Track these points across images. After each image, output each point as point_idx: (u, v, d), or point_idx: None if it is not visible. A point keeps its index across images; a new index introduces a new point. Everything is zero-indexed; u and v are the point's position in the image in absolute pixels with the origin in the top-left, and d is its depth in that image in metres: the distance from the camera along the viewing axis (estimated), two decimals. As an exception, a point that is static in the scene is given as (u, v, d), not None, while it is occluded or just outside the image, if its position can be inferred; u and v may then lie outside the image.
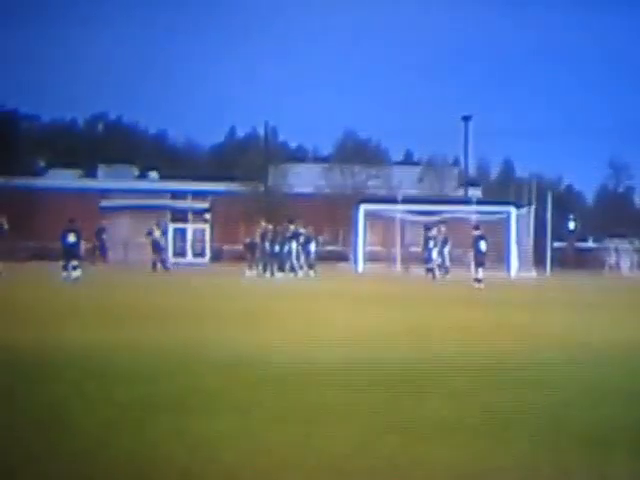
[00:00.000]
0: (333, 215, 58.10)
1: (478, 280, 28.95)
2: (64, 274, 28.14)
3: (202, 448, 5.56)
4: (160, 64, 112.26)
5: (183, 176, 69.19)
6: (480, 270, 29.59)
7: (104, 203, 60.35)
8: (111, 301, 19.54)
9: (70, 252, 28.54)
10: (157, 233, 40.30)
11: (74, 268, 28.28)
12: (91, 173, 73.13)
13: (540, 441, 6.13)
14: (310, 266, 36.53)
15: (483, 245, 30.47)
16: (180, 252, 59.95)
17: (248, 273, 35.85)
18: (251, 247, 37.87)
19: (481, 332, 13.97)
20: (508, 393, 7.96)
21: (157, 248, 39.24)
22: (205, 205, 60.91)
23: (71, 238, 28.70)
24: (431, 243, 38.29)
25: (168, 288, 26.21)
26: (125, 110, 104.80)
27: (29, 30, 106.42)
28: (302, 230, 37.32)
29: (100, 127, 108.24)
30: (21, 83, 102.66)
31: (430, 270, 37.17)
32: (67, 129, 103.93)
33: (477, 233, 30.75)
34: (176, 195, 63.15)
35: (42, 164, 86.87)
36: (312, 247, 37.27)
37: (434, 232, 39.08)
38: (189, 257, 57.85)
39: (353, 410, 6.85)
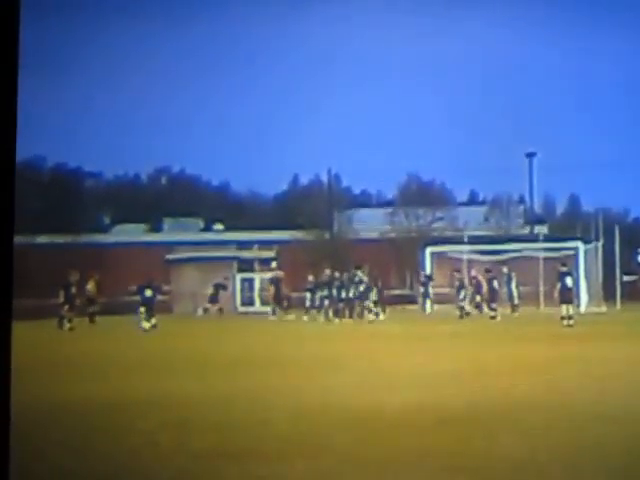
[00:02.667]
0: (399, 259, 57.97)
1: (567, 317, 28.58)
2: (143, 324, 30.46)
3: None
4: (219, 114, 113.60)
5: (248, 226, 69.76)
6: (569, 307, 29.21)
7: (170, 256, 61.00)
8: (180, 351, 19.77)
9: (146, 305, 31.64)
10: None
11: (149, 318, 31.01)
12: (156, 227, 74.05)
13: (613, 477, 6.13)
14: (370, 311, 36.62)
15: (569, 281, 30.17)
16: (248, 301, 60.26)
17: (306, 319, 36.13)
18: (314, 293, 38.20)
19: (550, 368, 13.89)
20: (580, 429, 7.93)
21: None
22: (271, 254, 61.26)
23: (147, 293, 32.00)
24: (495, 283, 38.29)
25: (236, 337, 26.42)
26: (187, 163, 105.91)
27: (83, 84, 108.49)
28: (363, 277, 37.43)
29: (163, 181, 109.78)
30: (84, 140, 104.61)
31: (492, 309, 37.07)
32: (131, 184, 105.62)
33: (563, 269, 30.47)
34: (242, 245, 63.57)
35: (107, 220, 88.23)
36: (373, 294, 37.43)
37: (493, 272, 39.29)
38: (257, 306, 58.11)
39: (424, 452, 6.88)
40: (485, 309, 37.70)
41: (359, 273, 37.35)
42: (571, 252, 45.78)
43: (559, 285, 29.68)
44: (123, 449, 7.15)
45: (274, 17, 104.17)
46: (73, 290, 35.63)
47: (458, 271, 40.16)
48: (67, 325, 34.26)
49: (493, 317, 35.35)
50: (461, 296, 38.31)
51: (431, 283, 41.88)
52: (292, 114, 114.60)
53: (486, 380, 12.04)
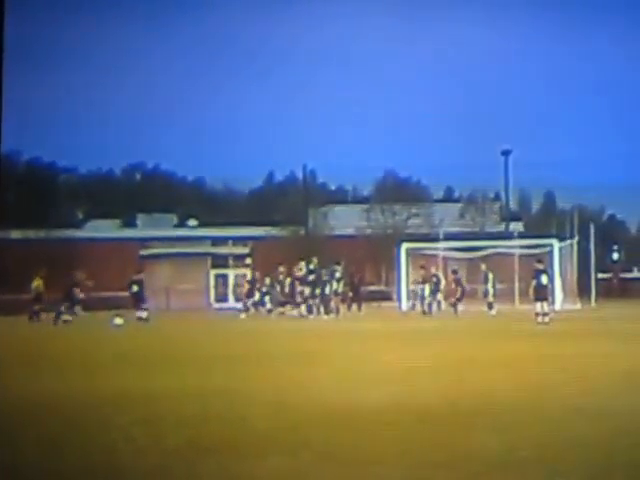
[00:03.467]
0: (375, 255, 58.03)
1: (542, 314, 28.64)
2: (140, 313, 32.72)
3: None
4: (195, 111, 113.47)
5: (223, 222, 69.63)
6: (544, 304, 29.28)
7: (144, 252, 60.79)
8: (154, 347, 19.69)
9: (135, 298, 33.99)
10: None
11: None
12: (130, 223, 73.82)
13: (593, 473, 6.12)
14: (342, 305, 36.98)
15: (544, 279, 30.26)
16: (222, 298, 60.18)
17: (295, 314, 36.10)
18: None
19: (526, 365, 13.93)
20: (558, 425, 7.93)
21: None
22: (246, 250, 61.16)
23: (134, 288, 34.14)
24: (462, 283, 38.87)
25: (211, 333, 26.36)
26: (162, 159, 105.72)
27: (60, 80, 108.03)
28: (341, 273, 37.61)
29: (137, 177, 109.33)
30: (57, 136, 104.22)
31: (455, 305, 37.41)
32: (104, 180, 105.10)
33: (539, 267, 30.54)
34: (216, 242, 63.46)
35: (80, 215, 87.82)
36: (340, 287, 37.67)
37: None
38: (231, 302, 58.04)
39: (403, 448, 6.86)
40: (443, 306, 38.34)
41: (338, 268, 37.41)
42: (546, 249, 45.91)
43: (534, 282, 29.76)
44: (100, 445, 7.09)
45: (257, 15, 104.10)
46: (41, 287, 35.91)
47: (423, 267, 40.39)
48: (36, 320, 34.40)
49: (455, 312, 35.94)
50: (425, 292, 38.54)
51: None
52: (268, 110, 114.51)
53: (464, 376, 12.06)
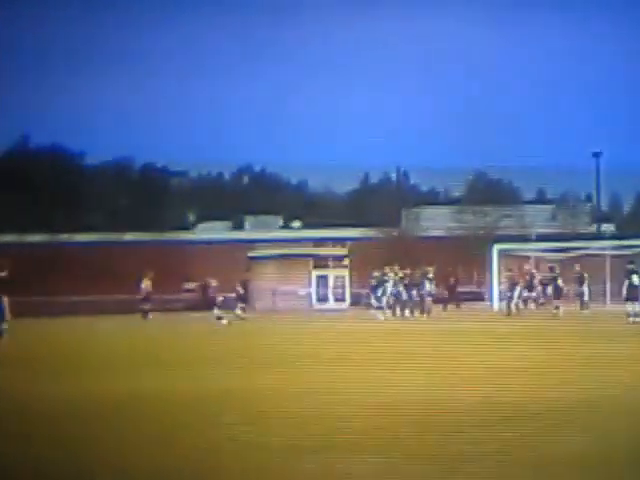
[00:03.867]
0: (466, 256, 57.53)
1: (634, 315, 27.93)
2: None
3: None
4: (298, 115, 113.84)
5: (323, 224, 69.83)
6: (635, 304, 28.48)
7: (252, 253, 61.29)
8: (260, 347, 19.90)
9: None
10: None
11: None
12: (239, 225, 74.50)
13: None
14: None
15: (636, 279, 29.51)
16: (323, 298, 60.32)
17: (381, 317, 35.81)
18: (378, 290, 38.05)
19: (616, 365, 13.72)
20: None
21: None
22: (344, 251, 61.20)
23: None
24: (559, 281, 37.89)
25: (312, 333, 26.46)
26: (268, 162, 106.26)
27: (170, 86, 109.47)
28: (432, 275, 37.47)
29: (245, 179, 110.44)
30: (169, 141, 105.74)
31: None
32: (214, 183, 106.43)
33: (630, 267, 29.80)
34: (318, 243, 63.61)
35: (192, 218, 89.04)
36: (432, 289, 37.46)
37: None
38: (331, 303, 58.16)
39: (490, 446, 6.88)
40: (537, 305, 37.58)
41: (430, 270, 37.32)
42: (638, 250, 44.92)
43: (626, 282, 29.07)
44: (206, 443, 7.27)
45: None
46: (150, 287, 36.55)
47: (510, 270, 39.80)
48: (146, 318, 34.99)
49: (555, 314, 34.99)
50: (515, 293, 37.87)
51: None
52: (364, 114, 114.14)
53: (553, 377, 11.93)
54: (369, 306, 38.41)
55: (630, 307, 28.47)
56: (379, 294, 36.63)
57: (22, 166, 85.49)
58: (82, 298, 50.78)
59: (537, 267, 43.07)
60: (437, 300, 38.70)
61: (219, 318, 31.51)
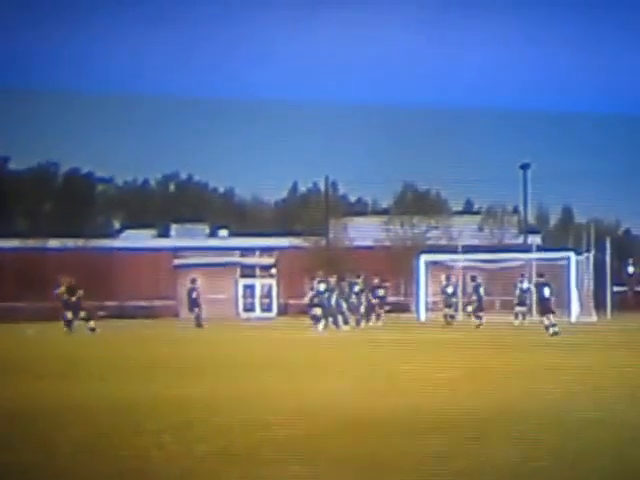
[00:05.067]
0: (394, 267, 57.97)
1: (551, 325, 28.55)
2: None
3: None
4: (225, 121, 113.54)
5: (250, 233, 69.74)
6: (550, 316, 29.13)
7: (177, 262, 60.98)
8: (186, 356, 19.84)
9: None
10: None
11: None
12: (164, 233, 73.99)
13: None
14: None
15: (547, 292, 30.20)
16: (249, 308, 60.28)
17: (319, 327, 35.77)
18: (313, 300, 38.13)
19: (542, 375, 13.96)
20: (571, 435, 7.98)
21: None
22: (271, 261, 61.26)
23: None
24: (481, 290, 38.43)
25: (238, 342, 26.49)
26: (195, 169, 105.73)
27: (93, 89, 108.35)
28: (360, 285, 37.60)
29: (171, 187, 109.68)
30: (94, 147, 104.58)
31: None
32: (140, 190, 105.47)
33: (541, 280, 30.42)
34: (245, 252, 63.57)
35: (117, 225, 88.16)
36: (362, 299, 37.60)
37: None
38: (257, 312, 58.13)
39: (420, 456, 6.94)
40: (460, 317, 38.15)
41: (358, 281, 37.47)
42: (563, 262, 45.82)
43: (537, 296, 29.61)
44: (131, 450, 7.25)
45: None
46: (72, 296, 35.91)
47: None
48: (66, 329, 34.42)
49: (478, 325, 35.47)
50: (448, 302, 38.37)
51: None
52: (293, 122, 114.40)
53: (478, 387, 12.10)
54: (307, 315, 38.28)
55: (546, 320, 29.02)
56: (314, 303, 36.59)
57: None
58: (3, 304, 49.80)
59: (464, 277, 43.65)
60: (366, 310, 38.85)
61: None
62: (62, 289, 35.25)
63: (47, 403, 10.41)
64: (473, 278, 39.86)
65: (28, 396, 11.16)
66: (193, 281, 40.03)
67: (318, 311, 35.47)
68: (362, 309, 37.27)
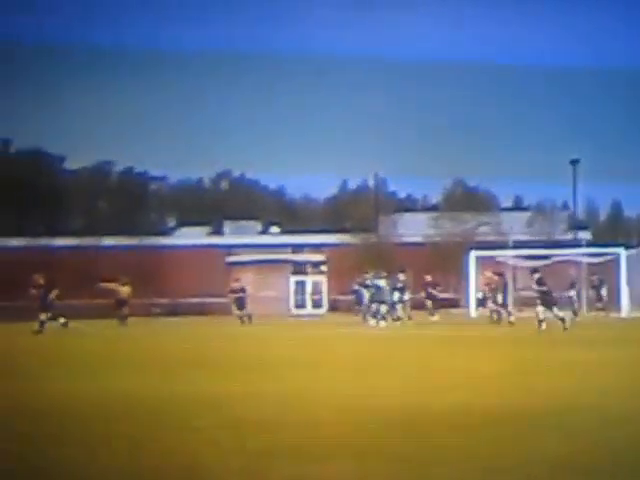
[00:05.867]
0: (444, 263, 57.81)
1: (559, 318, 28.65)
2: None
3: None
4: (276, 120, 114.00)
5: (301, 230, 69.99)
6: (555, 309, 29.21)
7: (230, 259, 61.40)
8: (237, 352, 19.94)
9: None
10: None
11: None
12: (218, 230, 74.60)
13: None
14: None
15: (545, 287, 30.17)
16: (300, 304, 60.40)
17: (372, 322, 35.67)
18: (358, 296, 38.16)
19: (593, 370, 13.80)
20: (618, 430, 7.87)
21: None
22: (321, 257, 61.39)
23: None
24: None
25: (289, 338, 26.56)
26: (247, 167, 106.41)
27: (155, 95, 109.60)
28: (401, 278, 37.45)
29: (224, 185, 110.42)
30: (150, 146, 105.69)
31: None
32: (194, 188, 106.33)
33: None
34: (296, 249, 63.79)
35: (172, 223, 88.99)
36: (405, 296, 37.55)
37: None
38: (308, 309, 58.25)
39: (470, 453, 6.88)
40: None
41: (401, 277, 37.32)
42: (613, 257, 45.43)
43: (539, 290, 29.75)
44: (182, 447, 7.25)
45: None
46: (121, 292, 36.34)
47: (499, 274, 39.59)
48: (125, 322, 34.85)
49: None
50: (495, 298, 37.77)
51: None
52: (341, 120, 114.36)
53: (528, 382, 11.99)
54: (356, 312, 38.27)
55: (549, 314, 28.84)
56: (365, 299, 36.53)
57: (1, 170, 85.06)
58: (63, 302, 50.29)
59: (513, 273, 43.35)
60: (414, 306, 38.78)
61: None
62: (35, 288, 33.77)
63: (99, 399, 10.48)
64: (500, 274, 38.90)
65: (80, 392, 11.25)
66: (237, 280, 40.04)
67: (382, 307, 35.38)
68: (407, 306, 37.14)
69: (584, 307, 44.51)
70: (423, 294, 41.33)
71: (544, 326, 28.38)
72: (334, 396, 10.69)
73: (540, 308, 29.05)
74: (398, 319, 35.60)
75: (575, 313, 38.54)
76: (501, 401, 9.89)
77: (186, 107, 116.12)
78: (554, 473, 6.18)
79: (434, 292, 41.48)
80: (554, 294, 30.73)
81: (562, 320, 28.33)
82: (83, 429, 8.21)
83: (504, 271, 40.70)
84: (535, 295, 30.10)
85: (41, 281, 31.73)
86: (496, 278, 37.29)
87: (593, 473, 6.21)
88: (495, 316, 35.63)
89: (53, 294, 31.39)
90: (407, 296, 37.81)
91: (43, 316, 30.47)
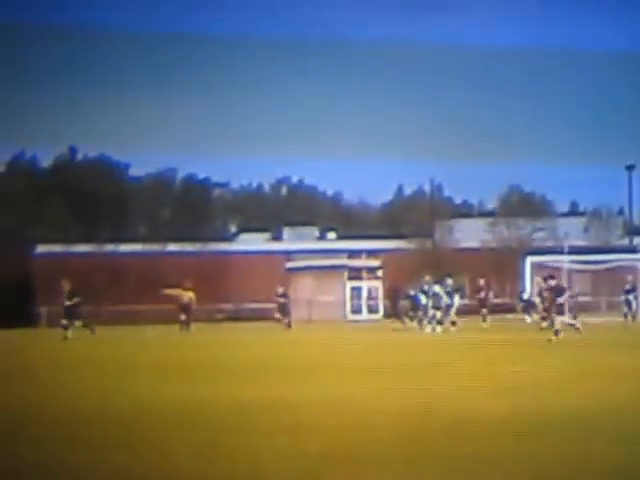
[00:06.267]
0: (499, 268, 57.37)
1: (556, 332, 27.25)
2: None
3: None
4: (332, 128, 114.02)
5: (358, 235, 69.94)
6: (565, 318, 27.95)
7: (289, 264, 61.56)
8: (295, 357, 20.06)
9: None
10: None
11: None
12: (277, 236, 74.86)
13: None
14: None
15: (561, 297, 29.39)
16: (357, 309, 60.24)
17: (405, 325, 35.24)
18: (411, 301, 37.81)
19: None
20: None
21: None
22: (377, 263, 61.25)
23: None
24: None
25: (347, 344, 26.59)
26: (306, 173, 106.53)
27: (214, 102, 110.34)
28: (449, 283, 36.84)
29: (284, 191, 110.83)
30: (211, 153, 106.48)
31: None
32: (254, 194, 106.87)
33: (553, 283, 29.18)
34: (352, 254, 63.75)
35: (233, 229, 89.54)
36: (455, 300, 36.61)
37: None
38: (364, 314, 58.11)
39: (521, 457, 6.92)
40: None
41: (449, 281, 36.69)
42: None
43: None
44: (245, 451, 7.41)
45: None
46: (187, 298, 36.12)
47: (552, 277, 38.72)
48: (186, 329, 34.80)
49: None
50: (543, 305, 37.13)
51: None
52: (395, 126, 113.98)
53: (583, 387, 11.92)
54: (412, 318, 37.70)
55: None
56: (422, 305, 36.09)
57: (68, 177, 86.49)
58: (126, 307, 51.05)
59: (569, 279, 42.87)
60: (469, 311, 38.27)
61: None
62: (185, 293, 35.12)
63: (164, 404, 10.67)
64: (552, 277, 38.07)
65: (147, 397, 11.47)
66: (282, 286, 40.08)
67: (438, 313, 35.11)
68: (452, 310, 36.35)
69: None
70: (481, 296, 40.76)
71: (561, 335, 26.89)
72: (390, 400, 10.76)
73: (560, 317, 27.57)
74: (453, 324, 35.36)
75: (634, 317, 38.10)
76: (555, 406, 9.88)
77: (247, 112, 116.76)
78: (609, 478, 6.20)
79: (483, 297, 40.38)
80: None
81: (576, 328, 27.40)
82: (149, 434, 8.41)
83: (556, 276, 40.06)
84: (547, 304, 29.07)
85: (67, 287, 31.67)
86: (550, 284, 36.68)
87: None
88: (546, 323, 35.29)
89: (74, 300, 31.11)
90: (457, 301, 36.98)
91: (65, 322, 30.32)
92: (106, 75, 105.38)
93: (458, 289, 37.35)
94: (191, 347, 26.02)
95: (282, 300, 38.27)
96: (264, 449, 7.39)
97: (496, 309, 44.57)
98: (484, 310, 39.96)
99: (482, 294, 40.61)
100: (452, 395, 11.35)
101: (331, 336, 31.73)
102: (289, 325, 36.94)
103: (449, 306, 36.13)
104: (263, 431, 8.36)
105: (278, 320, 37.25)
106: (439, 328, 34.19)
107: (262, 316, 43.17)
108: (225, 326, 36.42)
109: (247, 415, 9.68)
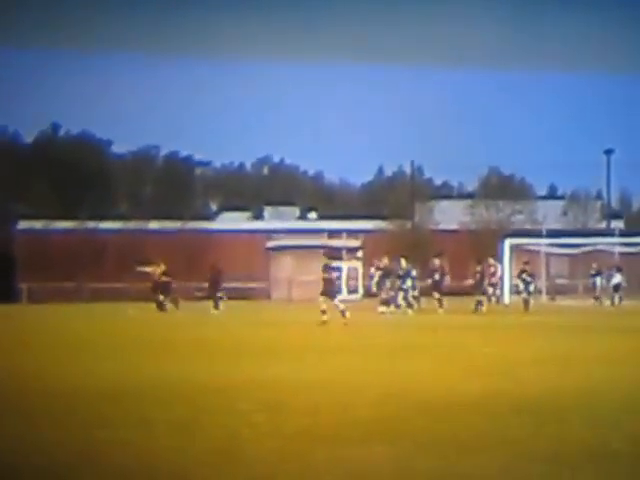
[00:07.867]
0: (478, 250, 57.58)
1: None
2: None
3: (356, 476, 5.81)
4: (313, 108, 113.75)
5: (339, 215, 69.96)
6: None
7: (270, 244, 61.52)
8: (272, 336, 20.05)
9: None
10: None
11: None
12: (258, 215, 74.80)
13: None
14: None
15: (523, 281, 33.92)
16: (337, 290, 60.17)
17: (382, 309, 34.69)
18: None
19: (621, 358, 13.73)
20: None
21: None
22: (358, 243, 61.29)
23: None
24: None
25: (328, 324, 26.62)
26: (286, 153, 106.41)
27: (192, 79, 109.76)
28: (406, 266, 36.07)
29: (265, 170, 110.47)
30: (193, 129, 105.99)
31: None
32: (236, 173, 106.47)
33: (525, 268, 32.24)
34: (332, 234, 63.77)
35: (214, 207, 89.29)
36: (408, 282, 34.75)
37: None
38: (344, 294, 58.13)
39: (499, 439, 6.90)
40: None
41: (403, 263, 35.68)
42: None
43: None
44: (223, 430, 7.36)
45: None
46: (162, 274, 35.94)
47: (527, 263, 38.87)
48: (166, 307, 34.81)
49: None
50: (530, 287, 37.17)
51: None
52: (380, 106, 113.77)
53: (560, 369, 11.94)
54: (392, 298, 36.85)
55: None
56: (404, 286, 35.59)
57: (50, 154, 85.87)
58: (107, 285, 50.85)
59: (547, 262, 43.08)
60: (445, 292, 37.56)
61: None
62: (158, 270, 35.14)
63: (145, 381, 10.63)
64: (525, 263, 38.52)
65: (128, 374, 11.42)
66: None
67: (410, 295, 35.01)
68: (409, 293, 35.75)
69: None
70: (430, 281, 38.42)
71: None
72: (370, 380, 10.75)
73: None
74: (410, 306, 34.53)
75: (600, 301, 38.46)
76: (533, 388, 9.89)
77: (228, 93, 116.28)
78: (585, 462, 6.19)
79: (438, 279, 35.69)
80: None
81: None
82: (128, 412, 8.36)
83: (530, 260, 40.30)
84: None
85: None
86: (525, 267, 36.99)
87: (624, 459, 6.22)
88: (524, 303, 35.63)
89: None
90: (409, 283, 35.75)
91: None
92: (91, 50, 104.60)
93: (410, 271, 35.97)
94: (170, 326, 25.95)
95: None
96: (243, 427, 7.35)
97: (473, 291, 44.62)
98: (436, 294, 35.23)
99: (436, 276, 35.70)
100: (430, 376, 11.37)
101: (311, 316, 31.74)
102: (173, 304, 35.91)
103: (404, 290, 34.99)
104: (242, 410, 8.30)
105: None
106: (410, 310, 33.89)
107: (243, 295, 43.08)
108: (204, 305, 36.27)
109: (226, 393, 9.63)
